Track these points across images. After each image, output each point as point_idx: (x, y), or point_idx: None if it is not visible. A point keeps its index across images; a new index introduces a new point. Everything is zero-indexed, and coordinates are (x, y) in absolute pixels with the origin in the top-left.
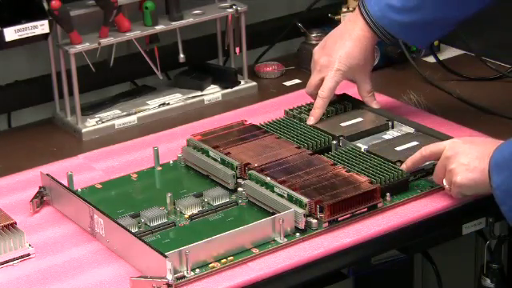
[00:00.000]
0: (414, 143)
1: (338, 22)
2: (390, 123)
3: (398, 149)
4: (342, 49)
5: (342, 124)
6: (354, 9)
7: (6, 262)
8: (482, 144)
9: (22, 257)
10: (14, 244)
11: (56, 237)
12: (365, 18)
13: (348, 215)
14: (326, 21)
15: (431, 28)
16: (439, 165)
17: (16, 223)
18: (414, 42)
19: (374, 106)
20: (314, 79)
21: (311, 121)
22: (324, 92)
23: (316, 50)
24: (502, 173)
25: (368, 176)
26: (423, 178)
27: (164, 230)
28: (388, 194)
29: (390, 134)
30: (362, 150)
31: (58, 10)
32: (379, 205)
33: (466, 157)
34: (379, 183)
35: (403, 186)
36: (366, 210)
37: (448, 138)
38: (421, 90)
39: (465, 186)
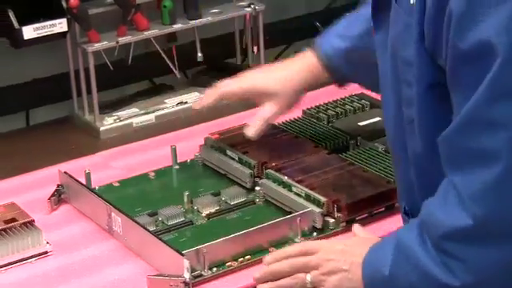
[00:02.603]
0: None
1: None
2: None
3: None
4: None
5: (360, 123)
6: None
7: (24, 259)
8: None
9: (39, 254)
10: (32, 242)
11: (74, 235)
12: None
13: (365, 215)
14: None
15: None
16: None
17: (34, 221)
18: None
19: (249, 133)
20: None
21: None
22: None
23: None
24: None
25: (386, 176)
26: None
27: (181, 229)
28: None
29: None
30: (380, 149)
31: (76, 9)
32: (397, 205)
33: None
34: None
35: None
36: (383, 209)
37: None
38: None
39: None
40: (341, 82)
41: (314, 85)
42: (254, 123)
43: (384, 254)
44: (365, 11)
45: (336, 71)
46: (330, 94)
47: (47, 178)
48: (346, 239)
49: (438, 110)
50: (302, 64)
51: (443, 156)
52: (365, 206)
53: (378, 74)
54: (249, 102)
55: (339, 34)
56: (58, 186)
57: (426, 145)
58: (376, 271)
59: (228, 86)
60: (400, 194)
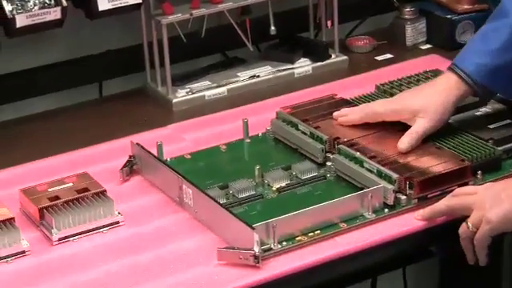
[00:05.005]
0: (508, 121)
1: None
2: None
3: (491, 126)
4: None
5: None
6: None
7: (96, 228)
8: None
9: (111, 224)
10: (104, 212)
11: (144, 206)
12: (457, 73)
13: (438, 192)
14: None
15: None
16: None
17: (106, 191)
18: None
19: (402, 145)
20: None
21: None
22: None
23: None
24: None
25: (459, 153)
26: None
27: (252, 202)
28: (479, 172)
29: (482, 111)
30: (454, 126)
31: None
32: (470, 183)
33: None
34: (470, 161)
35: (495, 165)
36: (456, 187)
37: None
38: None
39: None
40: (484, 96)
41: (460, 100)
42: (408, 136)
43: None
44: (497, 24)
45: (479, 86)
46: (404, 69)
47: (119, 148)
48: None
49: None
50: (447, 82)
51: None
52: (437, 183)
53: None
54: None
55: (478, 50)
56: (130, 157)
57: None
58: None
59: (378, 107)
60: None
